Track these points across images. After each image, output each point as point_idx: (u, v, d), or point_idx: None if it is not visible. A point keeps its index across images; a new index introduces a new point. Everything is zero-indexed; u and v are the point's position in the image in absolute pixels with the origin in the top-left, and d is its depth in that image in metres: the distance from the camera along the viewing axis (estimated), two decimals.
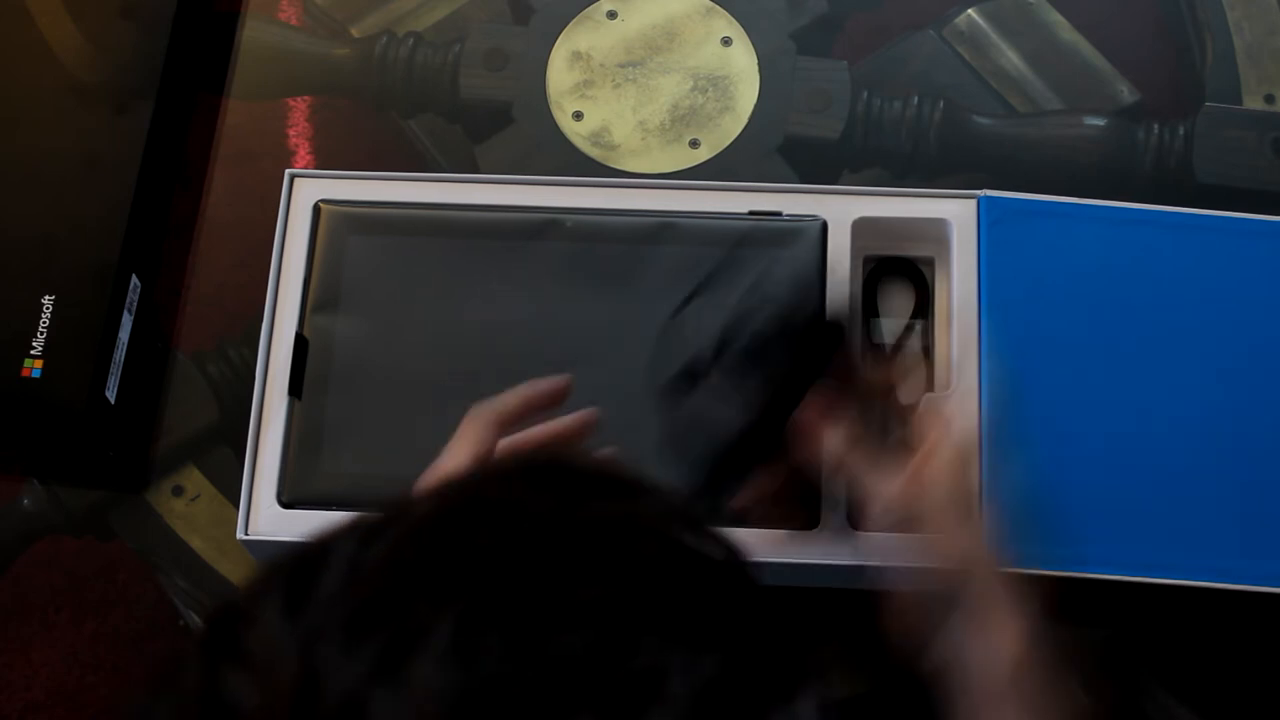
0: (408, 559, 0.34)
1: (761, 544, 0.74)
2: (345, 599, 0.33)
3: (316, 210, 0.81)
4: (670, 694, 0.32)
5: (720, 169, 0.87)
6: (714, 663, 0.34)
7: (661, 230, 0.80)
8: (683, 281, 0.78)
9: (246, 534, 0.75)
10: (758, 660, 0.35)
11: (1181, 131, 0.88)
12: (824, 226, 0.80)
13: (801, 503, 0.74)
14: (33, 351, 0.79)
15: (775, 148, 0.88)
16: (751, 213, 0.80)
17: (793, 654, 0.37)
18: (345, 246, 0.80)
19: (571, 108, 0.89)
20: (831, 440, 0.67)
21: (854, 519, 0.73)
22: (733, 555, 0.37)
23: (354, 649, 0.31)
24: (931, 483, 0.65)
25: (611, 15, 0.92)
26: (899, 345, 0.80)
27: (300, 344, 0.78)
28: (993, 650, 0.60)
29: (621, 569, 0.34)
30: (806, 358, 0.69)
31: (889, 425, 0.72)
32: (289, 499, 0.75)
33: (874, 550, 0.74)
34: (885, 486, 0.65)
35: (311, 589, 0.33)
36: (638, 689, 0.32)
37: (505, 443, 0.63)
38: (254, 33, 0.93)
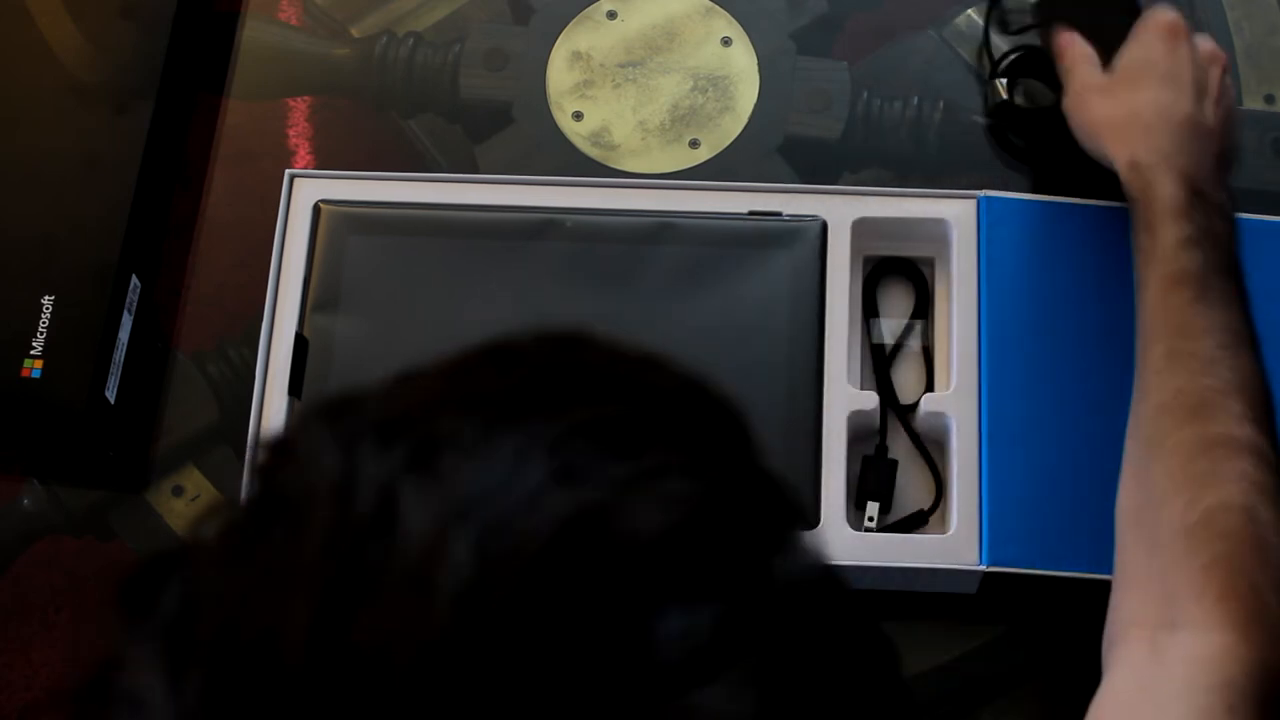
0: (433, 394, 0.37)
1: None
2: (376, 420, 0.36)
3: (316, 210, 0.81)
4: (670, 486, 0.35)
5: (720, 169, 0.87)
6: (715, 472, 0.36)
7: (661, 230, 0.80)
8: (682, 281, 0.79)
9: None
10: (758, 482, 0.38)
11: None
12: (824, 226, 0.80)
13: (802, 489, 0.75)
14: (33, 351, 0.79)
15: (775, 148, 0.88)
16: (751, 213, 0.80)
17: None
18: (345, 246, 0.80)
19: (571, 108, 0.89)
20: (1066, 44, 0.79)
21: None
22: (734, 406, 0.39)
23: (387, 449, 0.35)
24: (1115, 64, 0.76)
25: (611, 15, 0.92)
26: (899, 345, 0.80)
27: (300, 344, 0.78)
28: (1145, 217, 0.71)
29: (631, 393, 0.37)
30: None
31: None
32: None
33: (873, 550, 0.74)
34: (1076, 77, 0.78)
35: (352, 411, 0.37)
36: (642, 484, 0.34)
37: None
38: (254, 33, 0.93)
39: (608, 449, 0.35)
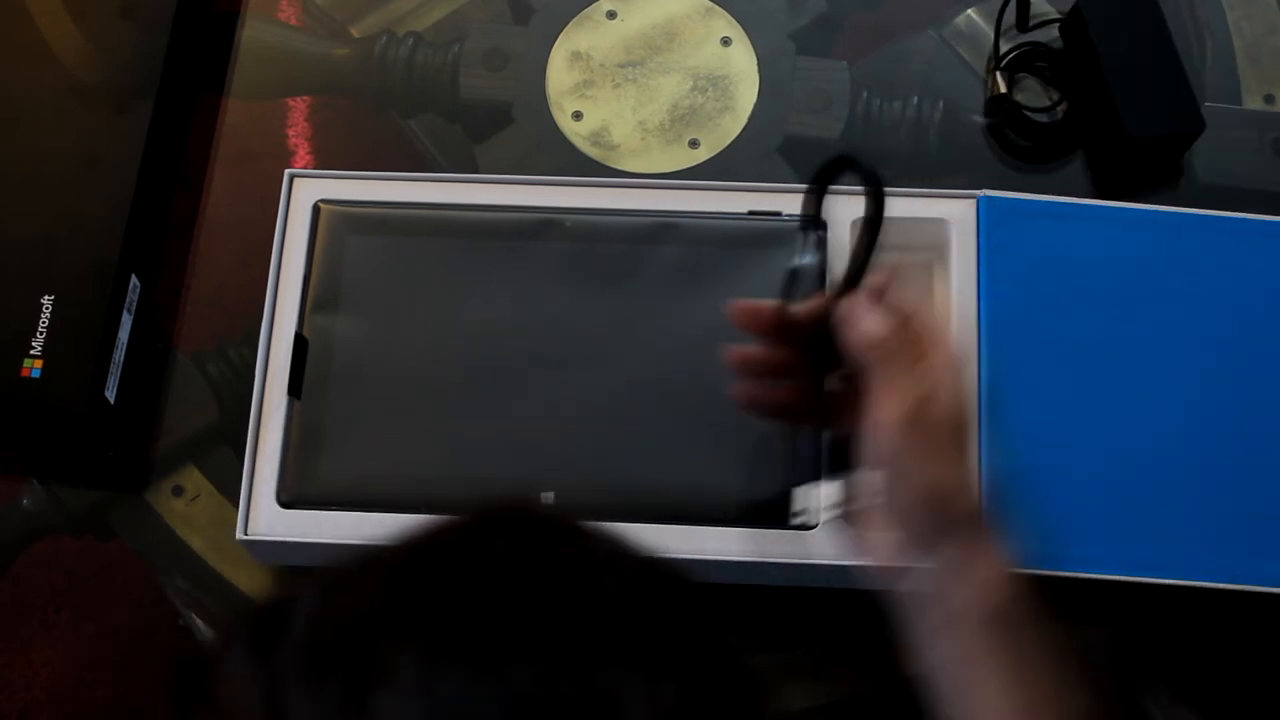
0: (368, 604, 0.35)
1: (761, 544, 0.74)
2: (309, 644, 0.34)
3: (316, 210, 0.81)
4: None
5: (720, 169, 0.87)
6: (670, 691, 0.34)
7: (661, 230, 0.80)
8: (682, 281, 0.79)
9: (246, 534, 0.75)
10: (713, 686, 0.36)
11: None
12: (824, 227, 0.79)
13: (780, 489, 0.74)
14: (33, 351, 0.79)
15: (775, 148, 0.88)
16: (751, 213, 0.80)
17: (745, 677, 0.37)
18: (345, 246, 0.80)
19: (571, 108, 0.89)
20: (869, 327, 0.60)
21: (846, 450, 0.64)
22: (685, 581, 0.38)
23: (318, 689, 0.33)
24: (946, 398, 0.59)
25: (611, 15, 0.92)
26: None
27: (300, 344, 0.78)
28: (974, 594, 0.58)
29: (575, 604, 0.35)
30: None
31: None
32: (288, 499, 0.75)
33: (873, 550, 0.74)
34: (884, 410, 0.58)
35: (277, 637, 0.34)
36: (594, 714, 0.33)
37: None
38: (254, 33, 0.93)
39: (558, 673, 0.33)
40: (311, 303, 0.79)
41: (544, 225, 0.80)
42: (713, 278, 0.78)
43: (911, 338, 0.60)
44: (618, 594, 0.36)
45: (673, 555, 0.74)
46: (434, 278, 0.79)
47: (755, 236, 0.79)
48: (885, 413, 0.58)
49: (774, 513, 0.74)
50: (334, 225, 0.80)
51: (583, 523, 0.38)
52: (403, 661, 0.33)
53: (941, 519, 0.58)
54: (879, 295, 0.61)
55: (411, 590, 0.35)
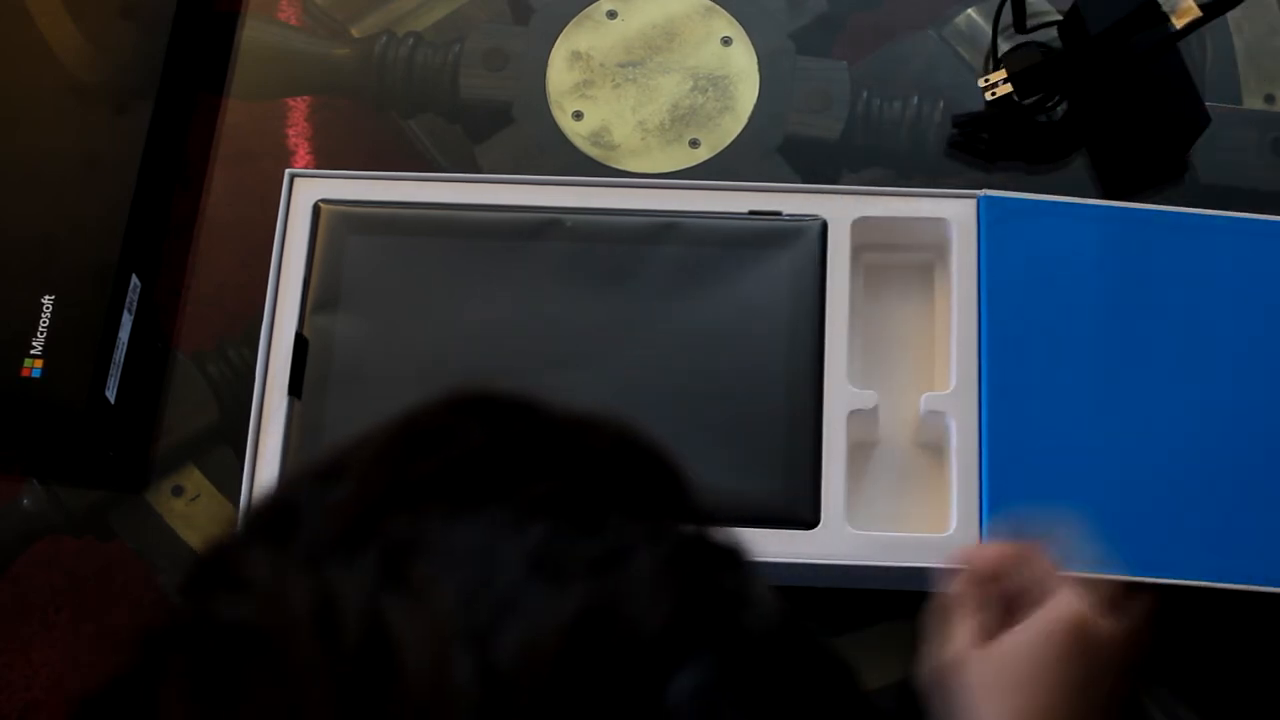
0: (377, 487, 0.36)
1: (761, 543, 0.74)
2: (331, 525, 0.35)
3: (316, 210, 0.81)
4: (640, 560, 0.35)
5: (720, 169, 0.87)
6: (673, 532, 0.37)
7: (662, 230, 0.80)
8: (683, 281, 0.79)
9: None
10: (705, 536, 0.38)
11: None
12: (824, 226, 0.80)
13: (800, 490, 0.75)
14: (33, 351, 0.79)
15: (775, 148, 0.88)
16: (751, 213, 0.80)
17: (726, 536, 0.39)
18: (345, 246, 0.80)
19: (571, 108, 0.89)
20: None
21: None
22: (658, 446, 0.40)
23: (353, 566, 0.33)
24: (1002, 648, 0.62)
25: (611, 15, 0.92)
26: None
27: (300, 344, 0.78)
28: None
29: (570, 459, 0.37)
30: None
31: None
32: None
33: (874, 550, 0.74)
34: (952, 644, 0.62)
35: (293, 526, 0.35)
36: (612, 560, 0.34)
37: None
38: (254, 33, 0.93)
39: (570, 527, 0.35)
40: (312, 303, 0.79)
41: (545, 225, 0.80)
42: (712, 277, 0.78)
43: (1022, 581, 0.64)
44: (605, 452, 0.38)
45: None
46: (434, 277, 0.79)
47: (755, 236, 0.79)
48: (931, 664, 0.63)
49: (777, 512, 0.74)
50: (334, 225, 0.80)
51: (547, 400, 0.39)
52: (423, 527, 0.34)
53: None
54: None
55: (412, 467, 0.36)
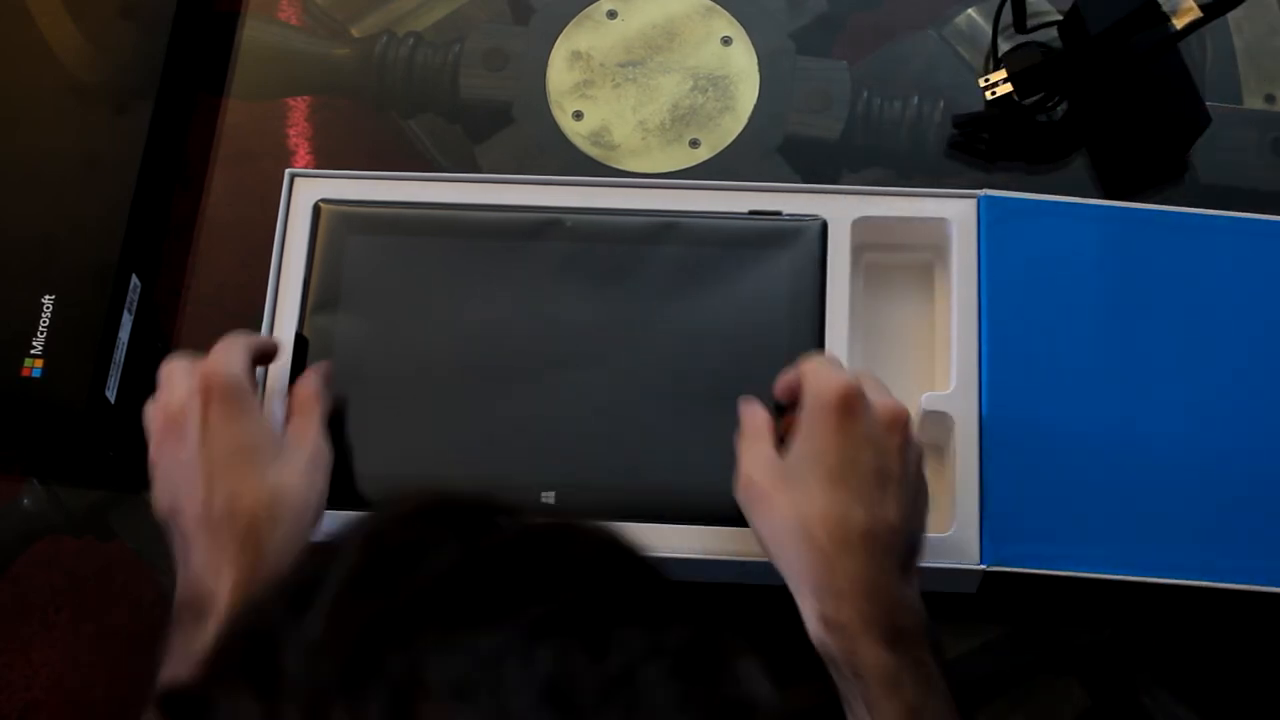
0: (358, 612, 0.34)
1: (749, 545, 0.74)
2: (324, 666, 0.33)
3: (316, 210, 0.81)
4: (649, 678, 0.34)
5: (720, 169, 0.87)
6: (675, 638, 0.36)
7: (662, 230, 0.80)
8: (682, 281, 0.79)
9: None
10: (703, 630, 0.37)
11: None
12: (824, 226, 0.80)
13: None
14: (33, 351, 0.79)
15: (775, 148, 0.88)
16: (751, 212, 0.80)
17: (718, 626, 0.39)
18: (345, 246, 0.80)
19: (571, 107, 0.89)
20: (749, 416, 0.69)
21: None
22: (626, 543, 0.39)
23: (363, 709, 0.32)
24: (793, 453, 0.66)
25: (611, 15, 0.92)
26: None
27: (300, 344, 0.78)
28: (827, 643, 0.62)
29: (564, 574, 0.36)
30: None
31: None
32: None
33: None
34: (739, 472, 0.67)
35: (274, 666, 0.34)
36: (623, 682, 0.34)
37: None
38: (254, 33, 0.93)
39: (576, 650, 0.34)
40: (312, 303, 0.79)
41: (545, 225, 0.80)
42: (712, 277, 0.78)
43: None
44: (592, 561, 0.37)
45: (670, 555, 0.74)
46: (434, 277, 0.79)
47: (755, 236, 0.79)
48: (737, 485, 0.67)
49: None
50: (334, 225, 0.80)
51: (508, 501, 0.39)
52: (426, 662, 0.33)
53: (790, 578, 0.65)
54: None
55: (391, 594, 0.35)
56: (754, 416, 0.69)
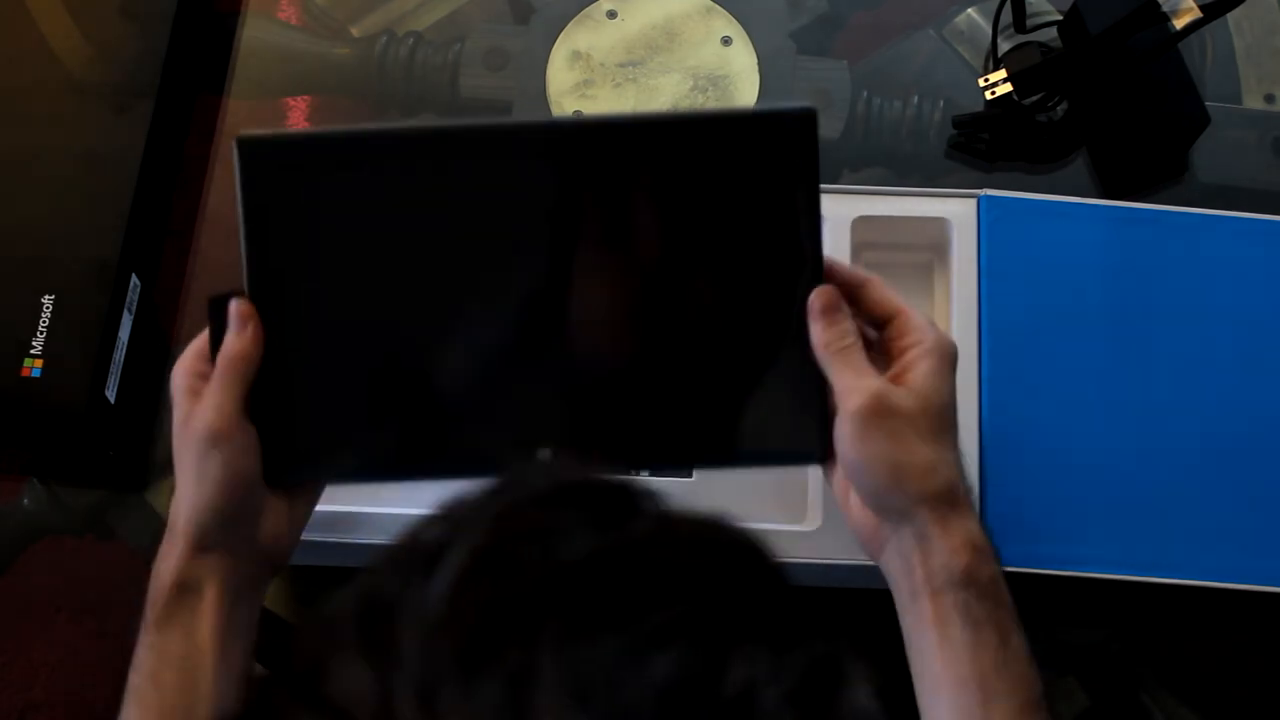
0: (479, 593, 0.34)
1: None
2: (440, 646, 0.33)
3: (235, 146, 0.64)
4: (768, 701, 0.34)
5: None
6: (798, 660, 0.35)
7: (634, 134, 0.66)
8: (665, 193, 0.66)
9: None
10: (825, 650, 0.37)
11: None
12: (814, 116, 0.68)
13: (805, 423, 0.65)
14: (33, 351, 0.79)
15: None
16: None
17: (839, 643, 0.38)
18: (276, 186, 0.65)
19: (571, 107, 0.89)
20: (815, 332, 0.63)
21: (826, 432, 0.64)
22: (764, 550, 0.38)
23: (474, 696, 0.32)
24: (914, 385, 0.62)
25: (611, 15, 0.92)
26: None
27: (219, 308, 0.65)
28: (942, 559, 0.61)
29: (697, 580, 0.35)
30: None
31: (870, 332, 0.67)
32: (269, 478, 0.65)
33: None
34: (852, 397, 0.61)
35: (389, 640, 0.33)
36: (741, 703, 0.33)
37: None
38: (254, 32, 0.93)
39: (697, 661, 0.33)
40: (250, 260, 0.65)
41: (504, 137, 0.67)
42: (700, 190, 0.67)
43: (892, 333, 0.64)
44: (730, 569, 0.37)
45: None
46: (382, 210, 0.65)
47: (738, 133, 0.68)
48: (846, 408, 0.61)
49: (791, 445, 0.67)
50: (256, 160, 0.65)
51: (648, 489, 0.38)
52: (543, 656, 0.32)
53: (907, 497, 0.61)
54: (844, 296, 0.65)
55: (521, 580, 0.34)
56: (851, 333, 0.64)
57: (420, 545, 0.35)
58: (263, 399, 0.65)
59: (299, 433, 0.66)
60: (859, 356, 0.63)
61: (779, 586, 0.38)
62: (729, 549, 0.37)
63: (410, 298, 0.66)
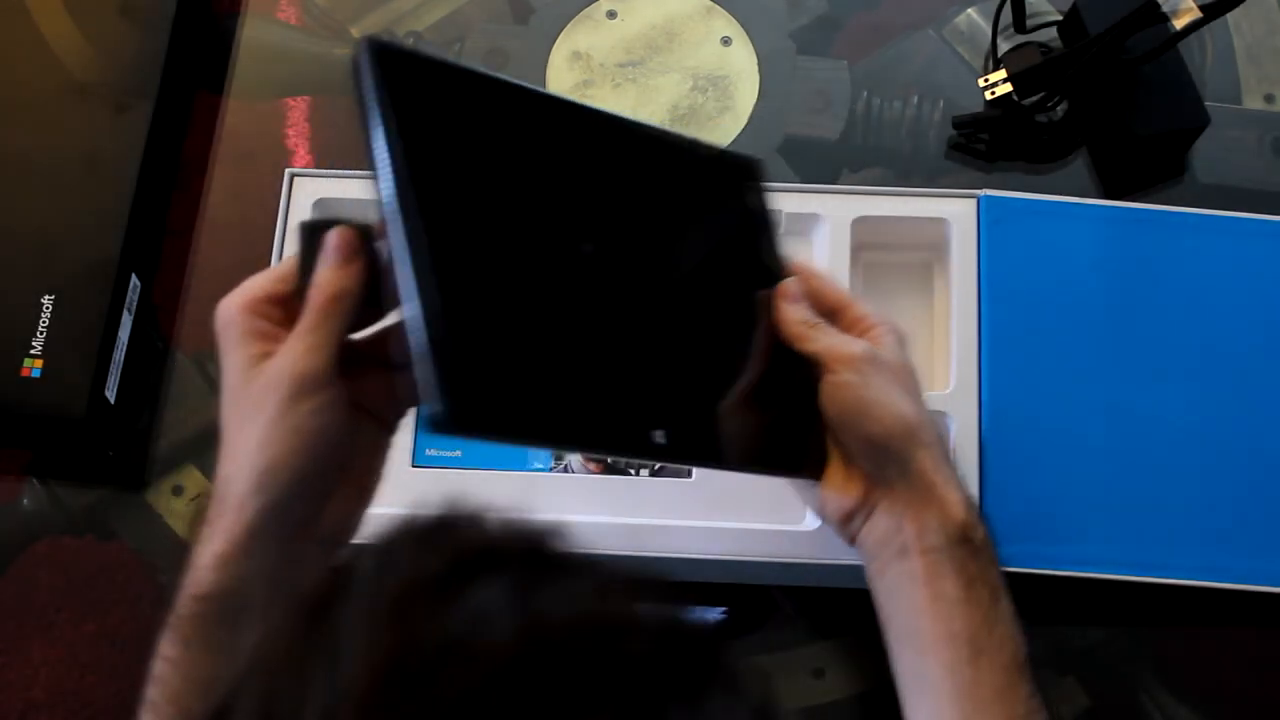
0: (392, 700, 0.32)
1: (759, 543, 0.74)
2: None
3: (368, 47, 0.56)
4: None
5: None
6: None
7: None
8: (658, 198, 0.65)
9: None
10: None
11: None
12: (755, 167, 0.68)
13: (793, 439, 0.64)
14: (33, 351, 0.79)
15: (775, 148, 0.88)
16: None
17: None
18: (420, 103, 0.57)
19: None
20: (789, 311, 0.63)
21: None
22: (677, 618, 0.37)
23: None
24: (889, 351, 0.63)
25: (611, 15, 0.92)
26: None
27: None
28: (938, 516, 0.61)
29: (618, 676, 0.34)
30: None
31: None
32: (456, 418, 0.52)
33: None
34: (846, 347, 0.62)
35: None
36: None
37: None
38: (254, 33, 0.93)
39: None
40: (400, 172, 0.55)
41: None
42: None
43: (848, 320, 0.65)
44: (645, 653, 0.35)
45: (672, 555, 0.74)
46: (510, 160, 0.59)
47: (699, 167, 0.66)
48: (841, 360, 0.61)
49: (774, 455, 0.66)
50: (397, 71, 0.57)
51: (535, 530, 0.37)
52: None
53: (910, 442, 0.61)
54: (799, 293, 0.64)
55: (431, 699, 0.32)
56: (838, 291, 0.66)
57: (317, 638, 0.33)
58: (448, 324, 0.53)
59: (485, 370, 0.54)
60: (833, 328, 0.63)
61: (706, 659, 0.36)
62: (649, 637, 0.35)
63: (549, 253, 0.60)
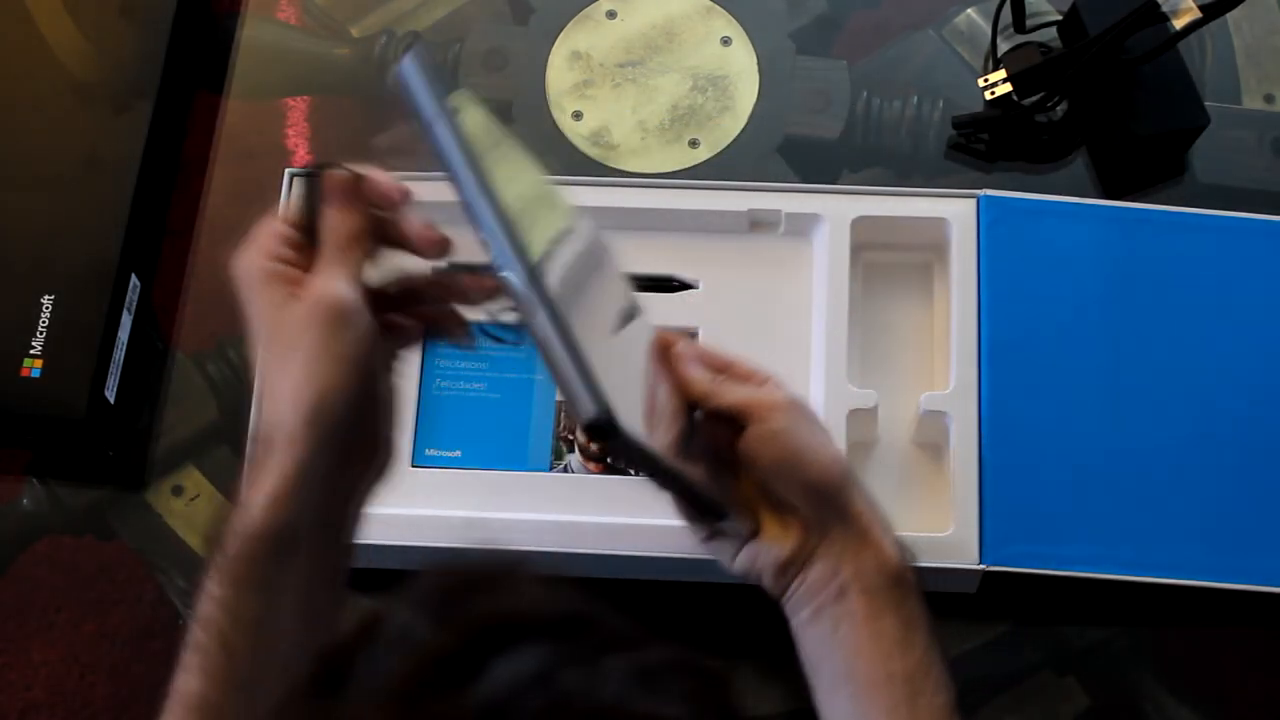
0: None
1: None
2: None
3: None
4: None
5: (720, 169, 0.87)
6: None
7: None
8: None
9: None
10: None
11: None
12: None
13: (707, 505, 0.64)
14: (33, 351, 0.79)
15: (775, 148, 0.88)
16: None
17: None
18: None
19: (571, 107, 0.89)
20: (692, 370, 0.63)
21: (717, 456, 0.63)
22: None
23: None
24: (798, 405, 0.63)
25: (611, 15, 0.92)
26: None
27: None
28: (875, 558, 0.61)
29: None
30: None
31: None
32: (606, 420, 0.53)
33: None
34: (770, 395, 0.62)
35: None
36: None
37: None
38: (254, 32, 0.93)
39: None
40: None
41: None
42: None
43: (739, 375, 0.64)
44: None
45: (672, 556, 0.74)
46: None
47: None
48: (767, 408, 0.61)
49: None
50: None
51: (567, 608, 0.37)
52: None
53: (846, 484, 0.62)
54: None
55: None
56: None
57: None
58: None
59: None
60: (739, 381, 0.63)
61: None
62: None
63: None
